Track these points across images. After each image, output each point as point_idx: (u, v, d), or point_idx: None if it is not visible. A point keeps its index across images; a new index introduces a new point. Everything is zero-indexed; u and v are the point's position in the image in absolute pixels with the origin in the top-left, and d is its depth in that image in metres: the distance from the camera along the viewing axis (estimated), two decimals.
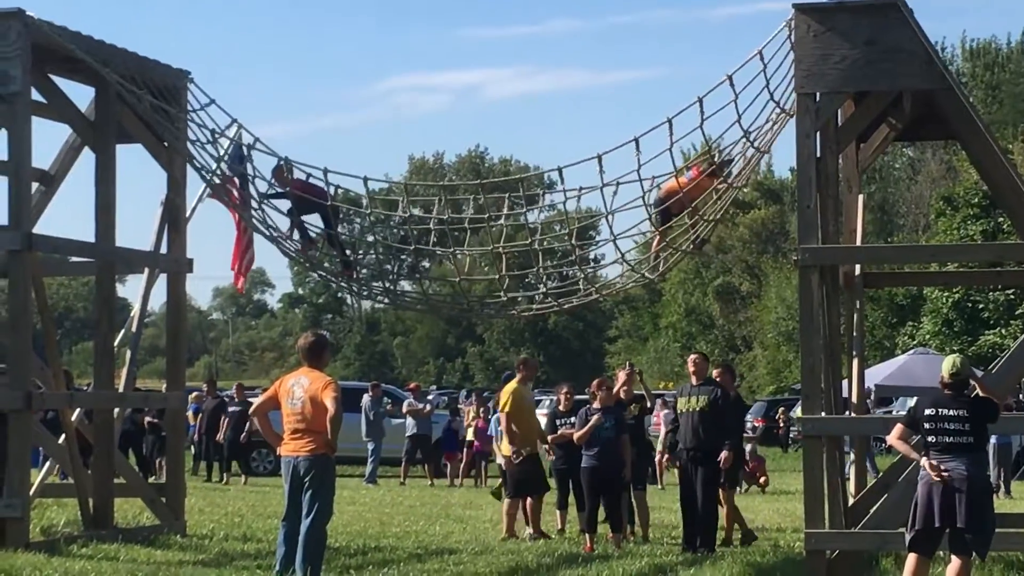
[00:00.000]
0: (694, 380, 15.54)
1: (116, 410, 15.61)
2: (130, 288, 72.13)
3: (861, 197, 15.63)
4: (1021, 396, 28.62)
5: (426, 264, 71.31)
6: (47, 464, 16.03)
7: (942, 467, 10.46)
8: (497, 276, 16.56)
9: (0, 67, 13.70)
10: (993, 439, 22.75)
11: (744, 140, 13.84)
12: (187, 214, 16.38)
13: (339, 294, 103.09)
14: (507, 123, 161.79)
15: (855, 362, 15.00)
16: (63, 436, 14.96)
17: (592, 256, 39.15)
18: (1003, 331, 42.31)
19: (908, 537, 10.77)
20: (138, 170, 19.50)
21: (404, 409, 29.17)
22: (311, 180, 15.72)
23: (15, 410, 13.75)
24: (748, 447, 24.93)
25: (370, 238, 19.56)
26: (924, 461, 10.58)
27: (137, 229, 17.01)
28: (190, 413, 27.17)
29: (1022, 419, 19.28)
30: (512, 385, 16.63)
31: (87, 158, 15.45)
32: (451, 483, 28.24)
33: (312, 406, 11.24)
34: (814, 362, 12.72)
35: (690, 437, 15.29)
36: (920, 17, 12.66)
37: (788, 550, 15.16)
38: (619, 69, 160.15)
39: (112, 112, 15.12)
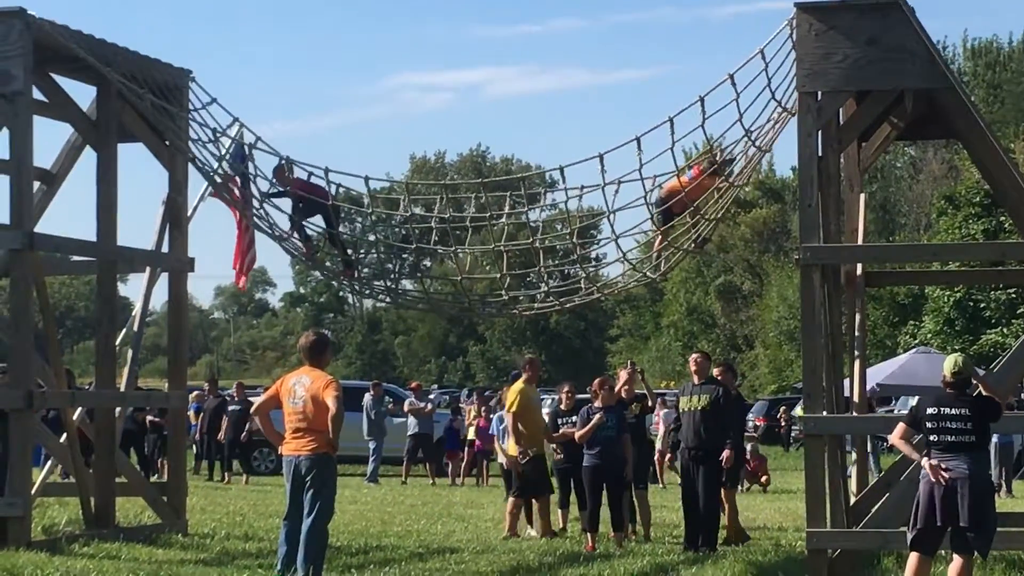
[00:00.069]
0: (696, 379, 15.54)
1: (118, 409, 15.60)
2: (131, 287, 72.33)
3: (863, 196, 15.62)
4: (1023, 395, 28.59)
5: (427, 263, 71.39)
6: (49, 463, 16.03)
7: (944, 466, 10.46)
8: (499, 275, 16.56)
9: (2, 66, 13.70)
10: (995, 438, 22.74)
11: (746, 139, 13.83)
12: (189, 213, 16.38)
13: (341, 293, 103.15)
14: (509, 122, 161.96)
15: (856, 361, 14.99)
16: (65, 435, 14.97)
17: (594, 255, 39.14)
18: (1005, 330, 42.28)
19: (910, 536, 10.76)
20: (140, 169, 19.51)
21: (405, 408, 29.16)
22: (312, 179, 15.72)
23: (17, 409, 13.75)
24: (749, 446, 24.95)
25: (371, 237, 19.59)
26: (925, 462, 10.58)
27: (139, 228, 17.02)
28: (191, 412, 27.19)
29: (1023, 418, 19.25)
30: (519, 385, 16.63)
31: (89, 157, 15.46)
32: (452, 482, 28.23)
33: (314, 405, 11.25)
34: (816, 361, 12.72)
35: (692, 436, 15.29)
36: (922, 16, 12.68)
37: (790, 549, 15.15)
38: (621, 68, 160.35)
39: (113, 111, 15.12)
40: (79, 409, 15.43)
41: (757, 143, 13.96)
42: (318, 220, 16.12)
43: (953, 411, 10.58)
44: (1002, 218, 39.30)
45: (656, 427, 27.49)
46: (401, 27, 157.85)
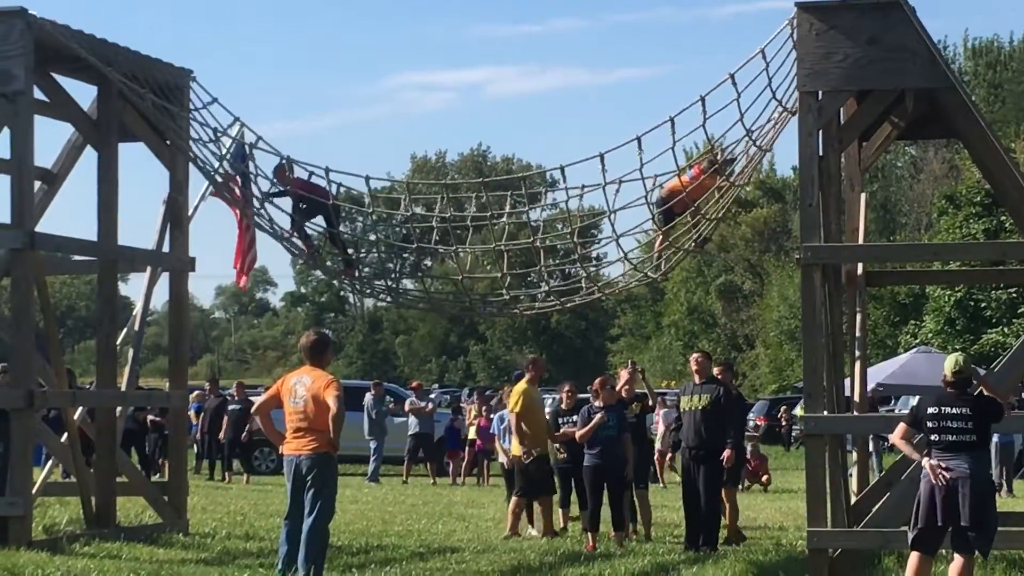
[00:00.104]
0: (697, 378, 15.54)
1: (119, 409, 15.60)
2: (132, 287, 72.34)
3: (863, 196, 15.61)
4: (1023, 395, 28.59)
5: (428, 263, 71.35)
6: (49, 463, 16.04)
7: (945, 466, 10.46)
8: (499, 274, 16.57)
9: (3, 66, 13.71)
10: (995, 438, 22.74)
11: (746, 139, 13.83)
12: (189, 213, 16.38)
13: (341, 293, 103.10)
14: (509, 122, 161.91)
15: (857, 361, 14.99)
16: (65, 435, 14.97)
17: (594, 255, 39.00)
18: (1005, 330, 42.28)
19: (910, 535, 10.76)
20: (140, 169, 19.48)
21: (406, 408, 29.16)
22: (313, 179, 15.72)
23: (18, 408, 13.76)
24: (750, 446, 24.95)
25: (372, 237, 19.57)
26: (925, 462, 10.58)
27: (139, 228, 17.01)
28: (192, 412, 27.19)
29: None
30: (522, 385, 16.64)
31: (89, 157, 15.47)
32: (453, 482, 28.24)
33: (314, 405, 11.25)
34: (816, 360, 12.72)
35: (693, 436, 15.29)
36: (922, 16, 12.68)
37: (790, 548, 15.16)
38: (621, 68, 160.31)
39: (114, 111, 15.13)
40: (80, 409, 15.44)
41: (758, 143, 13.96)
42: (319, 220, 16.13)
43: (954, 411, 10.58)
44: (1003, 218, 39.29)
45: (656, 427, 27.50)
46: (401, 27, 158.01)
